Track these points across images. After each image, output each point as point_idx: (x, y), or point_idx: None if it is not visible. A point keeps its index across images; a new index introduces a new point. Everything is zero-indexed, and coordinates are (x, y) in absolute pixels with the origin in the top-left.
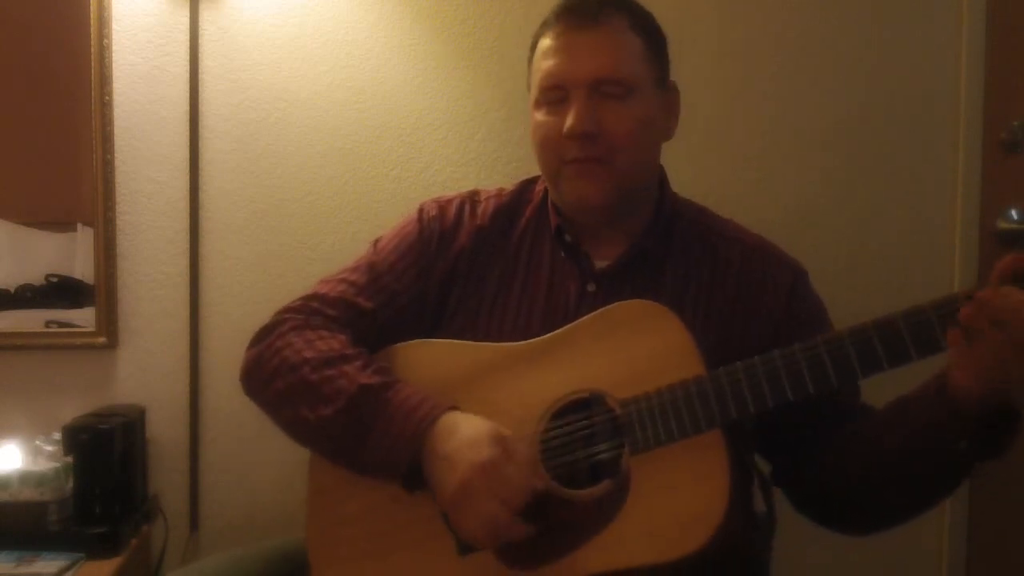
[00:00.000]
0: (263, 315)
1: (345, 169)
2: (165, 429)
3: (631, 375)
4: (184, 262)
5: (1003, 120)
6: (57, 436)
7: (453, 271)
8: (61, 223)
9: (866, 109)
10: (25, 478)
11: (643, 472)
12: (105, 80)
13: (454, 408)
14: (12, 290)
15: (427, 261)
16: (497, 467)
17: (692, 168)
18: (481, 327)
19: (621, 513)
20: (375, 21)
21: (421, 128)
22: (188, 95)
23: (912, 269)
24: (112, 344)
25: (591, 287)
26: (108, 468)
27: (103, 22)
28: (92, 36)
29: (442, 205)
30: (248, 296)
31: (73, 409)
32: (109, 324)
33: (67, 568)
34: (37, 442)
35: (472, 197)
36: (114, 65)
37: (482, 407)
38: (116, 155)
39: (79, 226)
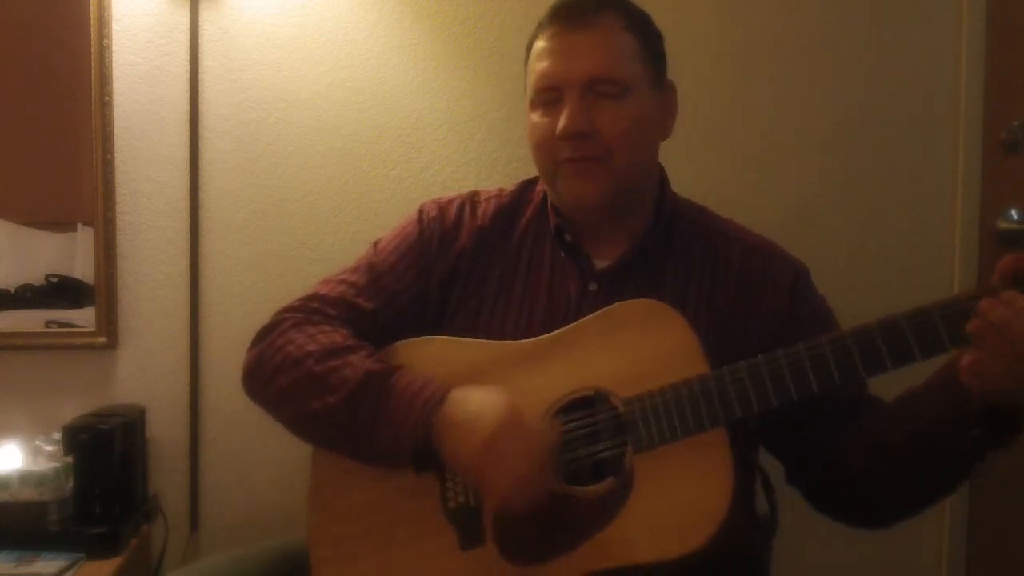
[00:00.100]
0: (263, 315)
1: (345, 169)
2: (165, 429)
3: (635, 373)
4: (184, 262)
5: (1003, 120)
6: (57, 436)
7: (454, 271)
8: (61, 223)
9: (866, 109)
10: (25, 478)
11: (646, 470)
12: (105, 80)
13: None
14: (12, 290)
15: (427, 261)
16: (517, 425)
17: (692, 168)
18: (482, 327)
19: (624, 511)
20: (375, 21)
21: (421, 128)
22: (188, 95)
23: (912, 269)
24: (112, 344)
25: (592, 286)
26: (108, 468)
27: (103, 22)
28: (92, 36)
29: (442, 206)
30: (248, 296)
31: (73, 409)
32: (109, 324)
33: (67, 568)
34: (37, 442)
35: (472, 198)
36: (114, 65)
37: None
38: (116, 155)
39: (79, 226)
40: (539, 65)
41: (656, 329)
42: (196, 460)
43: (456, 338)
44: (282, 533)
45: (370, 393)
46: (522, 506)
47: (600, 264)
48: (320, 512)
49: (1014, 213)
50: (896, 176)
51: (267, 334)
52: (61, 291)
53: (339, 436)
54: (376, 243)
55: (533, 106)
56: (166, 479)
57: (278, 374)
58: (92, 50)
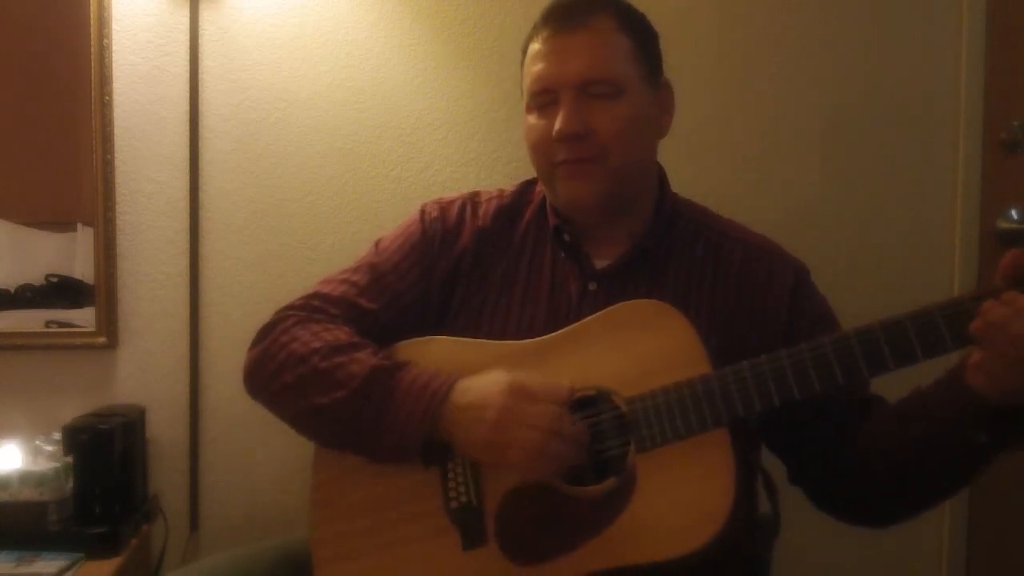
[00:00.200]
0: (263, 315)
1: (345, 169)
2: (165, 429)
3: (637, 373)
4: (184, 262)
5: (1003, 120)
6: (57, 436)
7: (456, 271)
8: (61, 223)
9: (866, 109)
10: (25, 478)
11: (649, 469)
12: (105, 80)
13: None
14: (12, 290)
15: (430, 261)
16: (524, 394)
17: (692, 168)
18: (484, 327)
19: (626, 510)
20: (375, 21)
21: (421, 128)
22: (188, 95)
23: (912, 269)
24: (112, 344)
25: (592, 286)
26: (108, 468)
27: (103, 22)
28: (92, 36)
29: (444, 206)
30: (248, 296)
31: (73, 409)
32: (109, 324)
33: (67, 568)
34: (37, 442)
35: (473, 198)
36: (114, 65)
37: None
38: (116, 155)
39: (79, 226)
40: (533, 68)
41: (658, 329)
42: (196, 460)
43: (458, 338)
44: (282, 533)
45: (377, 388)
46: (544, 475)
47: (600, 264)
48: (322, 510)
49: (1014, 213)
50: (896, 176)
51: (270, 331)
52: (61, 291)
53: (345, 431)
54: (378, 243)
55: (529, 109)
56: (166, 479)
57: (283, 371)
58: (92, 50)
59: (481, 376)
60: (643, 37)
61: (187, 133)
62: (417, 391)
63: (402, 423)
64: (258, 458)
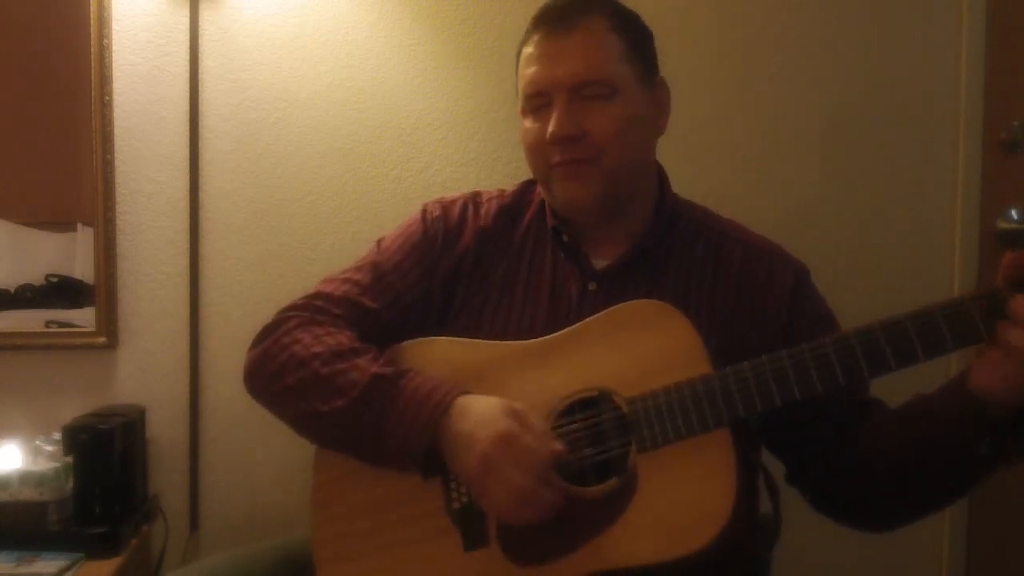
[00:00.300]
0: (263, 315)
1: (345, 169)
2: (165, 429)
3: (638, 373)
4: (184, 262)
5: (1003, 120)
6: (57, 436)
7: (457, 271)
8: (61, 223)
9: (866, 109)
10: (25, 478)
11: (650, 470)
12: (105, 80)
13: (467, 392)
14: (12, 290)
15: (432, 260)
16: (515, 437)
17: (692, 168)
18: (485, 327)
19: (628, 511)
20: (375, 21)
21: (421, 128)
22: (188, 95)
23: (912, 269)
24: (112, 344)
25: (592, 286)
26: (108, 468)
27: (103, 22)
28: (92, 36)
29: (445, 206)
30: (248, 296)
31: (73, 409)
32: (109, 324)
33: (67, 568)
34: (37, 442)
35: (475, 198)
36: (114, 65)
37: None
38: (116, 155)
39: (79, 226)
40: (527, 71)
41: (659, 329)
42: (196, 460)
43: (459, 339)
44: (282, 533)
45: (377, 397)
46: (524, 521)
47: (599, 264)
48: (323, 510)
49: (1014, 213)
50: (896, 176)
51: (272, 332)
52: (61, 291)
53: (344, 437)
54: (379, 242)
55: (524, 112)
56: (166, 479)
57: (284, 373)
58: (92, 50)
59: (478, 404)
60: (636, 37)
61: (187, 133)
62: (418, 402)
63: (405, 429)
64: (258, 458)
